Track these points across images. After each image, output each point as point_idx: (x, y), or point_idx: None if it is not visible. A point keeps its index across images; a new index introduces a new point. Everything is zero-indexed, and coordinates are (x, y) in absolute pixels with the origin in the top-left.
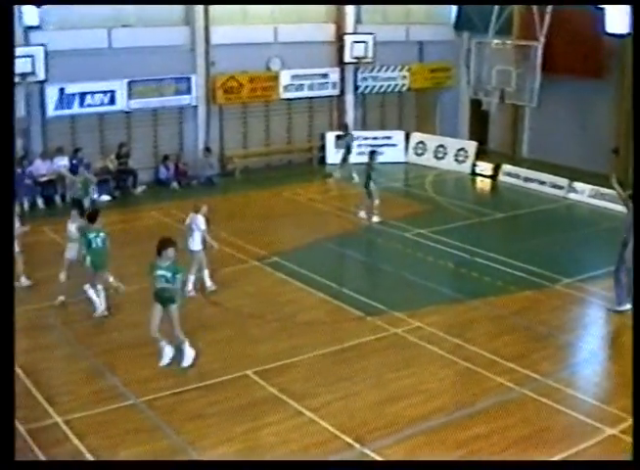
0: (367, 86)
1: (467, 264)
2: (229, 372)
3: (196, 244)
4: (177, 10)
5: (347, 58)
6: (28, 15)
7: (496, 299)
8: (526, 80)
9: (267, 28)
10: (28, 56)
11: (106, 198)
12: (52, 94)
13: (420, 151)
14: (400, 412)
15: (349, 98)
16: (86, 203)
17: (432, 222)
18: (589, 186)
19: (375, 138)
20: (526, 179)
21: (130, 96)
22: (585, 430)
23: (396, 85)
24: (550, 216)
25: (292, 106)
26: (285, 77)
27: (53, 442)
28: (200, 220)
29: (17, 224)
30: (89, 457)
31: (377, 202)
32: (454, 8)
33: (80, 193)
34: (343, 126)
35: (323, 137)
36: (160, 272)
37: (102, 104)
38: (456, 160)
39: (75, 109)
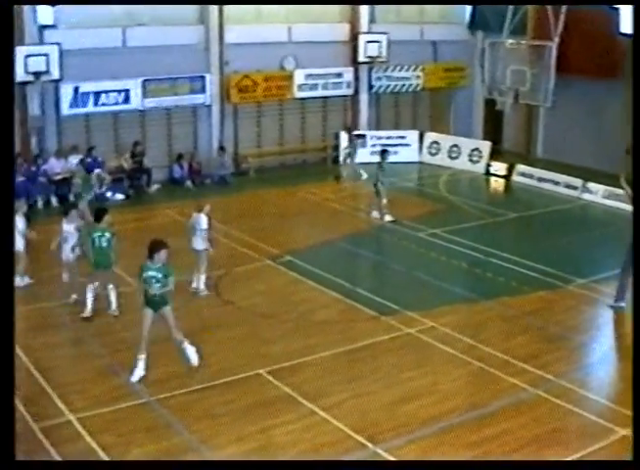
0: (381, 86)
1: (481, 264)
2: (242, 371)
3: (199, 243)
4: (191, 9)
5: (361, 57)
6: (43, 14)
7: (510, 299)
8: (541, 80)
9: (281, 28)
10: (43, 55)
11: (120, 196)
12: (66, 93)
13: (434, 151)
14: (413, 412)
15: (363, 98)
16: (84, 202)
17: (445, 222)
18: (603, 187)
19: (389, 138)
20: (540, 179)
21: (145, 95)
22: (598, 431)
23: (410, 85)
24: (564, 217)
25: (306, 105)
26: (299, 77)
27: (66, 439)
28: (202, 220)
29: (22, 225)
30: (102, 455)
31: (384, 201)
32: (468, 7)
33: (80, 191)
34: (347, 129)
35: (337, 137)
36: (150, 273)
37: (116, 103)
38: (470, 160)
39: (90, 107)
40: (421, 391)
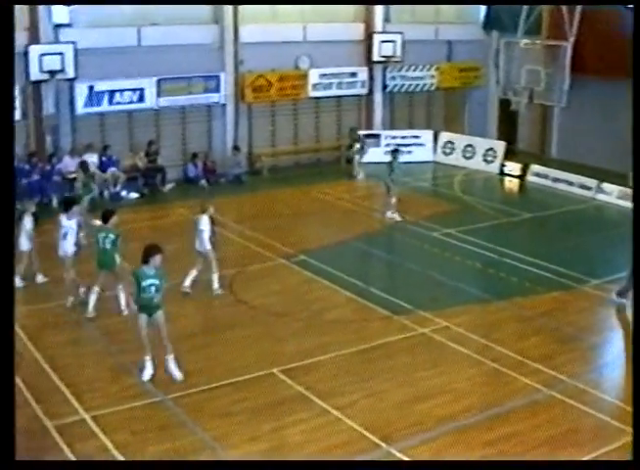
0: (395, 85)
1: (495, 265)
2: (256, 370)
3: (204, 244)
4: (206, 8)
5: (376, 57)
6: (58, 13)
7: (524, 299)
8: (555, 80)
9: (296, 27)
10: (58, 53)
11: (134, 195)
12: (81, 91)
13: (448, 150)
14: (427, 412)
15: (378, 97)
16: (85, 202)
17: (460, 222)
18: (617, 187)
19: (403, 137)
20: (555, 180)
21: (159, 94)
22: (612, 432)
23: (425, 84)
24: (578, 217)
25: (320, 104)
26: (313, 76)
27: (80, 438)
28: (203, 221)
29: (30, 225)
30: (116, 454)
31: (394, 200)
32: (483, 7)
33: (81, 193)
34: (351, 129)
35: (361, 139)
36: (149, 281)
37: (131, 102)
38: (485, 159)
39: (105, 106)
40: (434, 390)
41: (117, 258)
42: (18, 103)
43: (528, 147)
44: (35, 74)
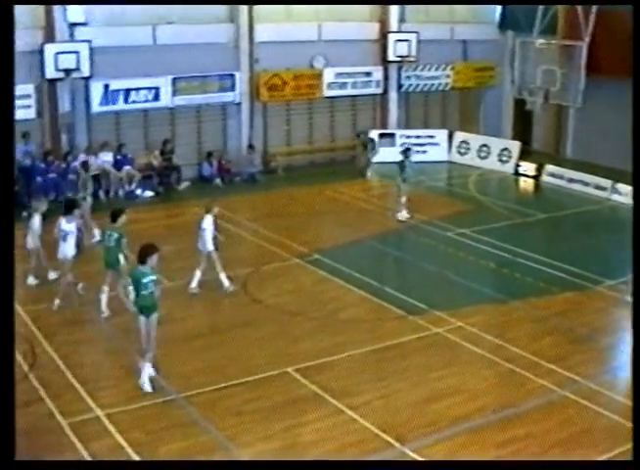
0: (410, 85)
1: (509, 265)
2: (270, 369)
3: (205, 244)
4: (221, 7)
5: (391, 56)
6: (74, 11)
7: (538, 300)
8: (571, 80)
9: (311, 26)
10: (73, 52)
11: (149, 194)
12: (97, 90)
13: (463, 150)
14: (441, 412)
15: (393, 97)
16: (88, 203)
17: (474, 222)
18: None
19: (418, 137)
20: (570, 180)
21: (174, 93)
22: (626, 433)
23: (440, 84)
24: (593, 218)
25: (335, 104)
26: (328, 75)
27: (94, 436)
28: (207, 220)
29: (38, 224)
30: (130, 452)
31: (403, 199)
32: (499, 7)
33: (82, 193)
34: (359, 134)
35: (371, 138)
36: (148, 278)
37: (146, 100)
38: (500, 159)
39: (120, 105)
40: (449, 390)
41: (122, 258)
42: (33, 101)
43: (543, 147)
44: (51, 73)
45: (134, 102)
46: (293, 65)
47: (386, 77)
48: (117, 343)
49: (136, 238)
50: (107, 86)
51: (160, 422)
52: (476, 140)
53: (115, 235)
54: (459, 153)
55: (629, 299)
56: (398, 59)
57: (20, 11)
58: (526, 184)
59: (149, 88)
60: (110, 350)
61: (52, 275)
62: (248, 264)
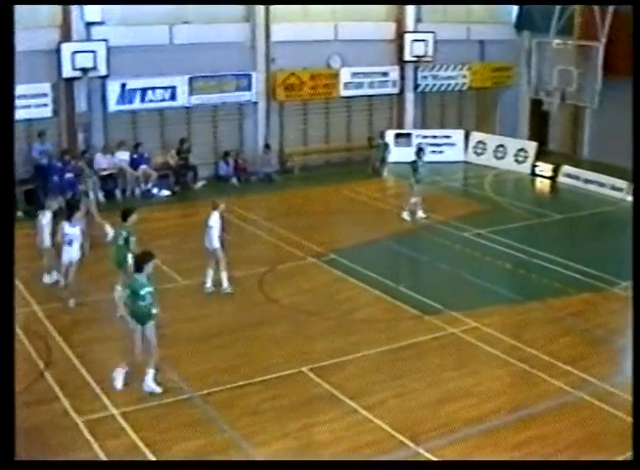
0: (427, 85)
1: (525, 265)
2: (285, 368)
3: (212, 242)
4: (238, 7)
5: (407, 56)
6: (90, 11)
7: (554, 300)
8: (588, 81)
9: (328, 26)
10: (90, 51)
11: (166, 193)
12: (113, 89)
13: (479, 150)
14: (456, 413)
15: (409, 96)
16: (92, 203)
17: (490, 222)
18: None
19: (434, 137)
20: (586, 181)
21: (191, 92)
22: None
23: (456, 84)
24: (609, 219)
25: (351, 103)
26: (345, 75)
27: (109, 434)
28: (214, 218)
29: (46, 220)
30: (145, 450)
31: (413, 200)
32: (515, 7)
33: (82, 187)
34: (370, 139)
35: (382, 136)
36: (146, 289)
37: (163, 99)
38: (516, 160)
39: (137, 104)
40: (464, 391)
41: (130, 258)
42: (50, 100)
43: (560, 148)
44: (68, 72)
45: (151, 101)
46: (309, 64)
47: (402, 77)
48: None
49: (152, 237)
50: (124, 85)
51: (176, 421)
52: (492, 140)
53: (124, 233)
54: (475, 153)
55: None
56: (415, 59)
57: (37, 10)
58: (543, 185)
59: (165, 87)
60: (125, 348)
61: (53, 277)
62: (263, 263)
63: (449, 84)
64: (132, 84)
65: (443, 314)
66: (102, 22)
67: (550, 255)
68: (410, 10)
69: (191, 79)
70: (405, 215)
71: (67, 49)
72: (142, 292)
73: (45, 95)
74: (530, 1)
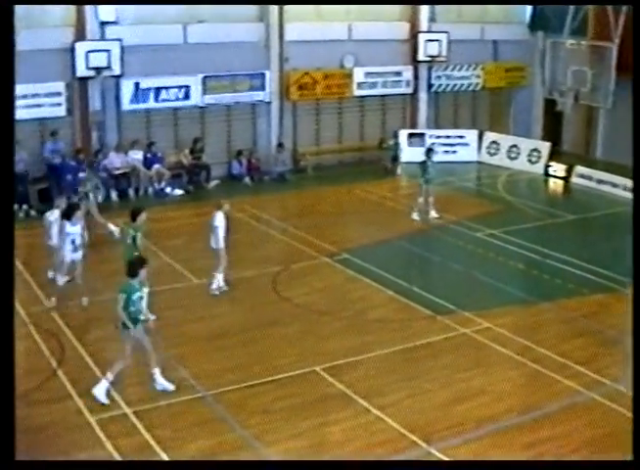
0: (440, 85)
1: (538, 266)
2: (297, 368)
3: (217, 242)
4: (252, 6)
5: (421, 56)
6: (104, 10)
7: (567, 301)
8: (601, 81)
9: (341, 26)
10: (104, 50)
11: (179, 192)
12: (127, 88)
13: (493, 151)
14: (468, 413)
15: (423, 96)
16: (92, 200)
17: (503, 223)
18: None
19: (447, 137)
20: (599, 181)
21: (204, 91)
22: None
23: (470, 84)
24: (622, 219)
25: (365, 103)
26: (358, 75)
27: (122, 433)
28: (219, 218)
29: (54, 217)
30: (157, 449)
31: (421, 199)
32: (529, 7)
33: (81, 188)
34: (381, 141)
35: (396, 135)
36: (138, 294)
37: (176, 99)
38: (529, 160)
39: (150, 103)
40: (476, 391)
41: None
42: (64, 99)
43: (573, 148)
44: (82, 71)
45: (164, 100)
46: (323, 64)
47: (416, 77)
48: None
49: (164, 236)
50: (137, 85)
51: (188, 419)
52: (505, 140)
53: (132, 232)
54: (489, 153)
55: None
56: (428, 59)
57: (51, 9)
58: (556, 185)
59: (179, 87)
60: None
61: (61, 278)
62: (276, 263)
63: (463, 84)
64: (146, 83)
65: (456, 315)
66: (116, 21)
67: (563, 255)
68: (424, 10)
69: (204, 79)
70: (415, 216)
71: (81, 48)
72: (134, 297)
73: (59, 94)
74: (542, 1)
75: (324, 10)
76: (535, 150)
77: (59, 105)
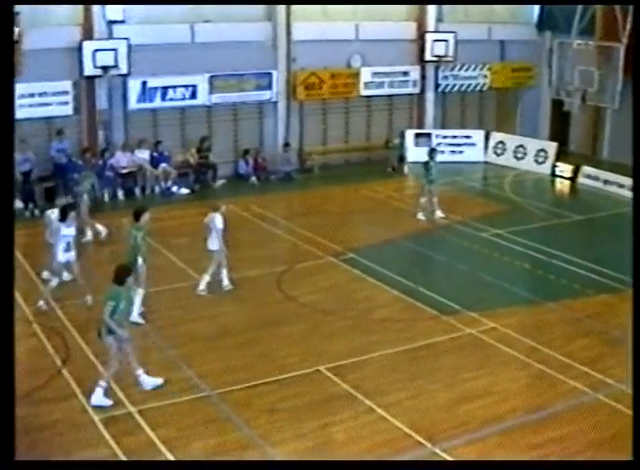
0: (447, 85)
1: (544, 266)
2: (302, 367)
3: (214, 243)
4: (259, 6)
5: (428, 56)
6: (112, 9)
7: (572, 301)
8: (609, 82)
9: (349, 25)
10: (111, 49)
11: (185, 191)
12: (134, 87)
13: (499, 151)
14: (473, 413)
15: (429, 96)
16: (86, 199)
17: (509, 223)
18: None
19: (454, 137)
20: (606, 182)
21: (211, 91)
22: None
23: (477, 84)
24: (629, 220)
25: (372, 103)
26: (365, 75)
27: (126, 432)
28: (217, 219)
29: (54, 215)
30: (161, 448)
31: (423, 199)
32: (537, 7)
33: (82, 191)
34: (386, 142)
35: (402, 135)
36: (125, 303)
37: (183, 98)
38: (536, 160)
39: (157, 102)
40: (481, 391)
41: (140, 258)
42: (70, 98)
43: (580, 148)
44: (89, 70)
45: (171, 99)
46: (330, 64)
47: (423, 77)
48: (151, 339)
49: (170, 235)
50: (144, 84)
51: (192, 419)
52: (512, 141)
53: (134, 232)
54: (495, 153)
55: None
56: (435, 59)
57: (58, 8)
58: (562, 185)
59: (186, 86)
60: (143, 346)
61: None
62: (282, 262)
63: (470, 84)
64: (153, 83)
65: (461, 315)
66: (123, 20)
67: (569, 256)
68: (431, 10)
69: (211, 78)
70: (421, 216)
71: (88, 47)
72: (121, 306)
73: (66, 93)
74: (550, 1)
75: (331, 10)
76: (542, 150)
77: (66, 103)
